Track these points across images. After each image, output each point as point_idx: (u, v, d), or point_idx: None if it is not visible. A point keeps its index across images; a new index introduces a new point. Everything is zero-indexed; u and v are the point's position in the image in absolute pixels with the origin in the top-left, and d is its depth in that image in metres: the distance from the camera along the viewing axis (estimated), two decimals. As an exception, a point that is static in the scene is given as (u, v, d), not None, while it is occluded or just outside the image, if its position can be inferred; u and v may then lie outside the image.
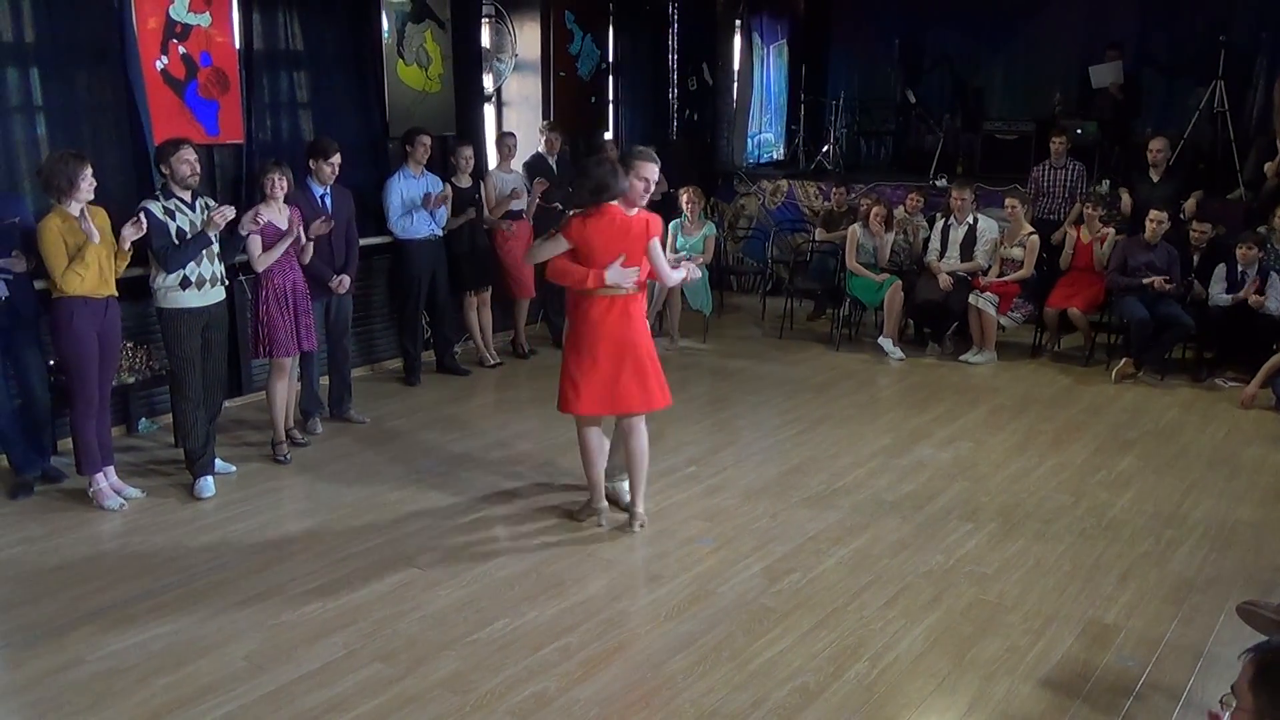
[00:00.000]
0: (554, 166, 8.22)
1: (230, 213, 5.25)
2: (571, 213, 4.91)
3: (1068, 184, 8.68)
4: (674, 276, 4.95)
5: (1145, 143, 8.54)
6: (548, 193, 7.95)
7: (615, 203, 4.66)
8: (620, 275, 4.64)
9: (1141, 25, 10.45)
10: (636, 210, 4.73)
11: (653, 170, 4.71)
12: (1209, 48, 9.12)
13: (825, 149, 11.24)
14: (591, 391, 4.73)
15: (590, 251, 4.65)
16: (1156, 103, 10.34)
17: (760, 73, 11.68)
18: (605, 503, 5.02)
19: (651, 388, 4.79)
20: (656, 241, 4.74)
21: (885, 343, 8.19)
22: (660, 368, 4.86)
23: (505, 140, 8.04)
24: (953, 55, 11.49)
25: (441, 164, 7.59)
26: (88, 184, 4.88)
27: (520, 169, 8.07)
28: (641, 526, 4.92)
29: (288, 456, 5.86)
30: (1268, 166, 8.21)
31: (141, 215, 4.98)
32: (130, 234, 4.94)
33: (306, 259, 5.89)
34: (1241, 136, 9.06)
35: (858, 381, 7.59)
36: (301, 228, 5.78)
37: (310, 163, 6.15)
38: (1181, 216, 8.07)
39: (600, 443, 4.95)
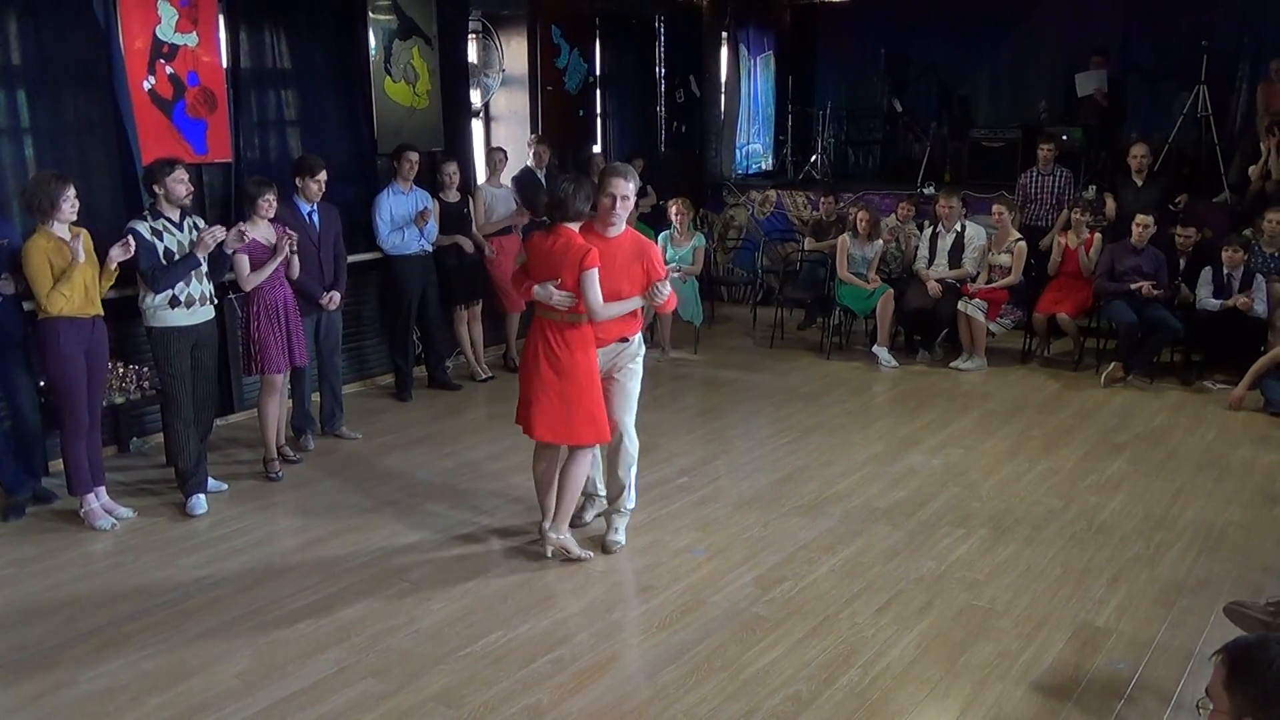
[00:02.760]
0: (543, 180, 8.25)
1: (221, 233, 5.27)
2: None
3: (1055, 190, 8.75)
4: (601, 314, 4.47)
5: (1129, 148, 8.60)
6: (534, 209, 7.98)
7: (574, 225, 4.51)
8: (546, 294, 4.46)
9: (1125, 32, 10.52)
10: (617, 232, 4.59)
11: (619, 185, 4.50)
12: (1192, 53, 9.18)
13: (813, 159, 11.30)
14: (521, 406, 4.68)
15: (531, 267, 4.61)
16: (1141, 108, 10.41)
17: (747, 84, 11.73)
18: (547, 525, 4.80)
19: (583, 420, 4.55)
20: (590, 274, 4.38)
21: (880, 351, 8.22)
22: (591, 402, 4.56)
23: (495, 155, 8.07)
24: (938, 64, 11.55)
25: (430, 180, 7.61)
26: (70, 204, 4.89)
27: (509, 183, 8.09)
28: (557, 554, 4.71)
29: (280, 474, 5.86)
30: (1252, 170, 8.28)
31: (130, 238, 4.99)
32: (118, 255, 4.95)
33: (295, 274, 5.90)
34: (1226, 140, 9.14)
35: (848, 390, 7.61)
36: (288, 242, 5.77)
37: (296, 180, 6.16)
38: (1173, 207, 8.12)
39: (541, 468, 4.80)
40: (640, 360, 4.87)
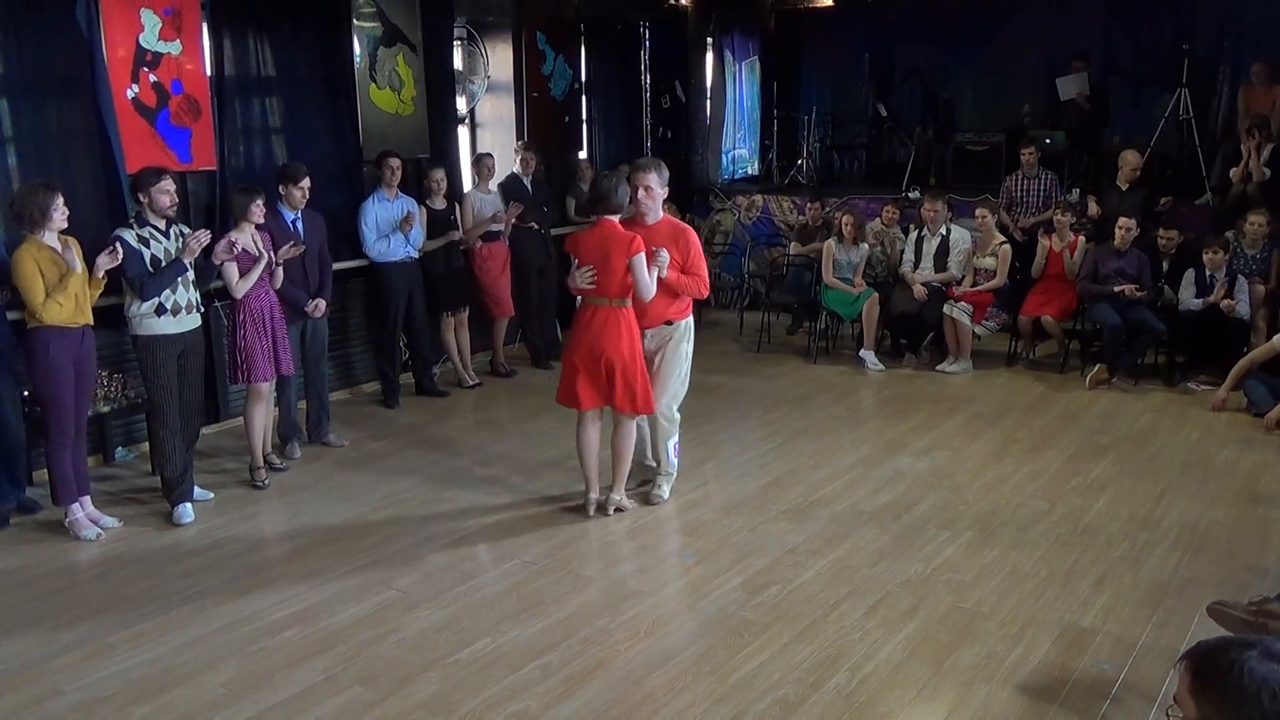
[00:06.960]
0: (529, 187, 8.25)
1: (205, 238, 5.27)
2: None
3: (1041, 193, 8.80)
4: (649, 291, 5.03)
5: (1115, 152, 8.64)
6: (523, 214, 7.98)
7: (616, 217, 5.07)
8: (576, 278, 5.07)
9: (1106, 36, 10.59)
10: (654, 219, 5.19)
11: (642, 177, 5.15)
12: (1173, 56, 9.26)
13: (799, 164, 11.34)
14: (562, 386, 5.24)
15: (580, 259, 5.10)
16: (1123, 111, 10.49)
17: (732, 89, 11.76)
18: (593, 494, 5.34)
19: (625, 392, 5.09)
20: (639, 258, 4.95)
21: (867, 355, 8.24)
22: (642, 378, 5.10)
23: (483, 161, 8.07)
24: (922, 69, 11.61)
25: (416, 186, 7.61)
26: (60, 214, 4.88)
27: (495, 189, 8.09)
28: (616, 511, 5.30)
29: (266, 482, 5.84)
30: (1233, 172, 8.34)
31: (117, 245, 4.97)
32: (105, 263, 4.93)
33: (278, 284, 5.89)
34: (1207, 143, 9.20)
35: (835, 394, 7.63)
36: (271, 251, 5.78)
37: (280, 188, 6.15)
38: (1160, 209, 8.17)
39: (586, 437, 5.27)
40: (685, 344, 5.38)
